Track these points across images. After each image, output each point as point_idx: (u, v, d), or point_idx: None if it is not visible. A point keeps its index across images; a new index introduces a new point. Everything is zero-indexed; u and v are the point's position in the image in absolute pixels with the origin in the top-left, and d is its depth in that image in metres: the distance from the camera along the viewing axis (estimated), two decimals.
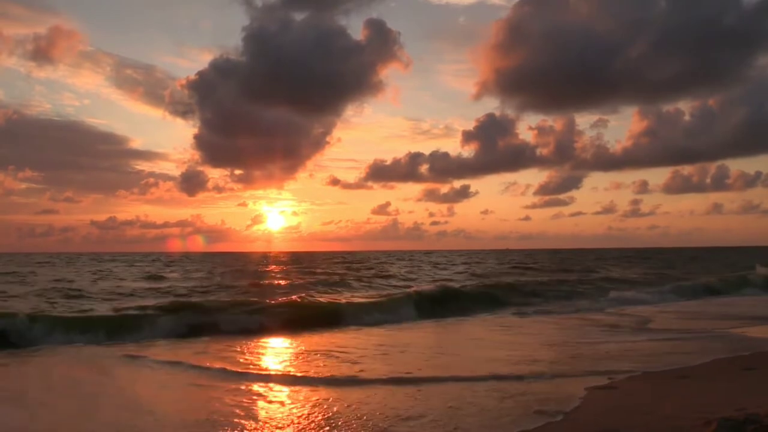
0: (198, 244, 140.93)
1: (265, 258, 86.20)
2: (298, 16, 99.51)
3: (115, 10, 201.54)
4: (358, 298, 21.17)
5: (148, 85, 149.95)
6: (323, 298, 20.43)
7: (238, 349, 11.90)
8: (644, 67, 65.67)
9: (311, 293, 22.29)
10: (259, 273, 39.78)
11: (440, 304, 19.94)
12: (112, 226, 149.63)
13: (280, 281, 30.46)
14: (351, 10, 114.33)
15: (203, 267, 48.87)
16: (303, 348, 12.24)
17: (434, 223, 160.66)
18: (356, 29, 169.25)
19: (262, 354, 11.86)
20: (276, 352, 12.21)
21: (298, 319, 15.90)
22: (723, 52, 65.59)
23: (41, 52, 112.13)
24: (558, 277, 31.81)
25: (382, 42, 77.61)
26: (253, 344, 12.87)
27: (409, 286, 25.23)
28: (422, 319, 17.61)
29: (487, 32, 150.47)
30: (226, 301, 17.96)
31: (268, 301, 18.10)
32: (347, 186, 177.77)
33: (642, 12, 68.19)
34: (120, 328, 13.99)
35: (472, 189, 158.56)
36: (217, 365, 9.96)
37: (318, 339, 13.46)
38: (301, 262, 60.94)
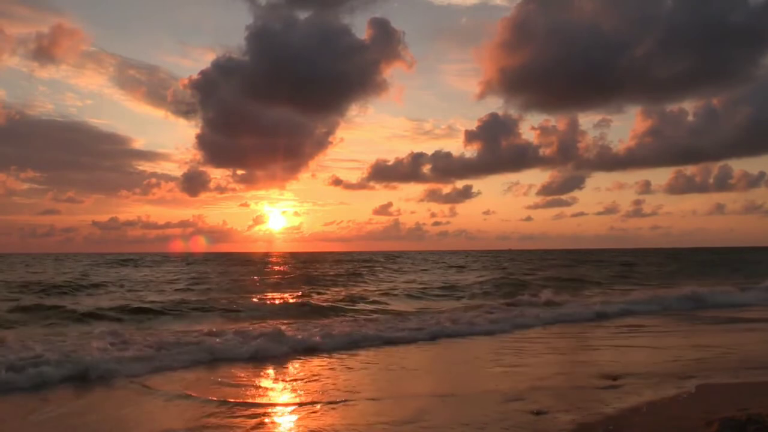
0: (200, 245, 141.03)
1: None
2: (302, 15, 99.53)
3: (118, 10, 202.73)
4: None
5: (151, 85, 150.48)
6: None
7: None
8: (648, 66, 65.41)
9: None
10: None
11: None
12: (113, 226, 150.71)
13: None
14: (355, 9, 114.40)
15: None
16: None
17: (436, 224, 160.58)
18: (360, 28, 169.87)
19: None
20: None
21: None
22: (728, 51, 65.06)
23: (44, 52, 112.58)
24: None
25: (386, 41, 77.67)
26: None
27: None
28: None
29: (490, 32, 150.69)
30: None
31: None
32: (349, 186, 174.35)
33: (646, 11, 67.73)
34: None
35: (475, 189, 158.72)
36: None
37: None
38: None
